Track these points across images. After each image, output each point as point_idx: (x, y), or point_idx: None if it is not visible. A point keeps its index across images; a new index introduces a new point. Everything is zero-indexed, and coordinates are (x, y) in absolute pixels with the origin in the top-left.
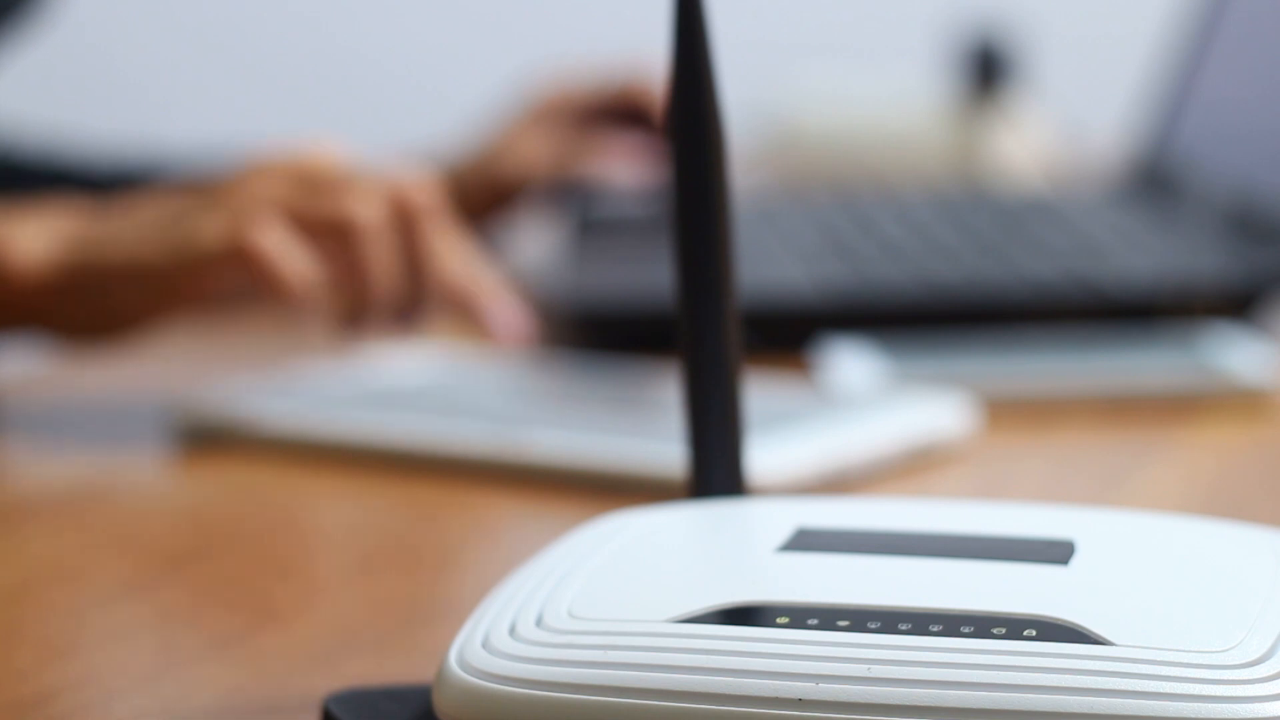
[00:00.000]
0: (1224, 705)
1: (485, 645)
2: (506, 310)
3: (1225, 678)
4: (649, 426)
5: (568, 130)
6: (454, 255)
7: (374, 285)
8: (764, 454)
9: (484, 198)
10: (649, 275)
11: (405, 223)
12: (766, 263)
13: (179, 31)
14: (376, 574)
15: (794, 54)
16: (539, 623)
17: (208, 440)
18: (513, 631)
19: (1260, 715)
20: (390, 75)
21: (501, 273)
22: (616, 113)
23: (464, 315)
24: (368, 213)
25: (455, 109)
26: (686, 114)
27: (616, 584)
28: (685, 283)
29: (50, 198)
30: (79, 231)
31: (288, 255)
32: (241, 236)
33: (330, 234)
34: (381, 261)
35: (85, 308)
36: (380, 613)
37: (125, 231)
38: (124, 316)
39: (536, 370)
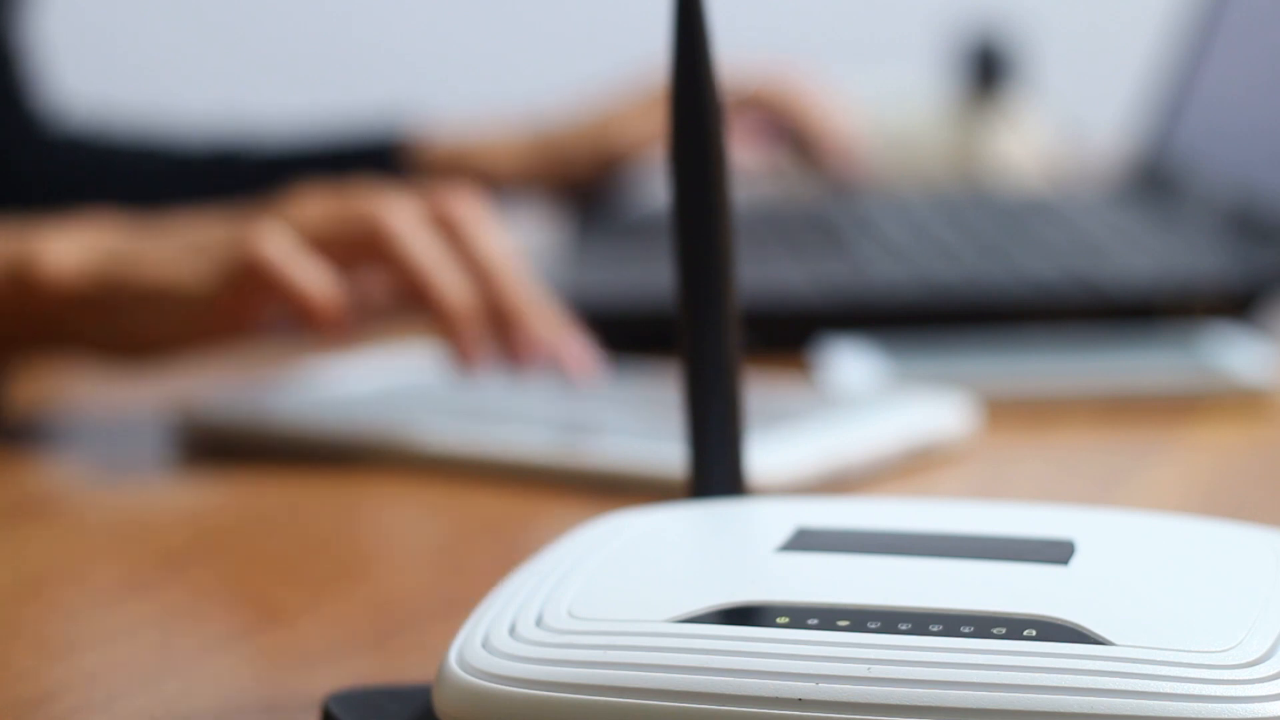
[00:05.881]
0: (1224, 705)
1: (485, 645)
2: (577, 346)
3: (1225, 678)
4: (649, 426)
5: None
6: (507, 262)
7: (434, 285)
8: (764, 454)
9: (588, 165)
10: (649, 275)
11: (447, 230)
12: (766, 263)
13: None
14: (376, 574)
15: (794, 54)
16: (539, 623)
17: (207, 440)
18: (513, 631)
19: (1260, 715)
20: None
21: (538, 282)
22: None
23: (538, 351)
24: (398, 218)
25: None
26: (686, 114)
27: (616, 584)
28: (685, 283)
29: (98, 204)
30: (112, 246)
31: (297, 266)
32: (246, 247)
33: (364, 249)
34: (430, 258)
35: (113, 324)
36: (380, 613)
37: (156, 250)
38: (153, 337)
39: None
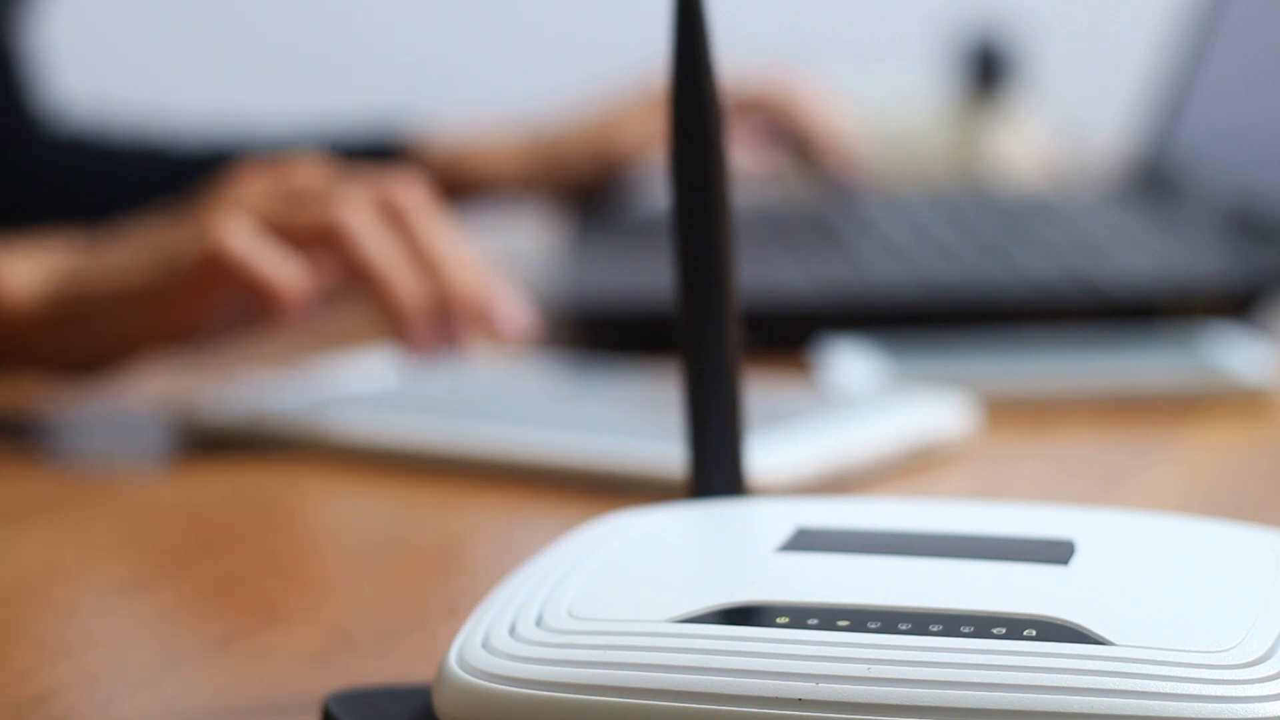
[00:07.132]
0: (1224, 705)
1: (485, 645)
2: (513, 307)
3: (1225, 678)
4: (649, 426)
5: None
6: (453, 250)
7: (388, 284)
8: (764, 454)
9: (588, 168)
10: (649, 275)
11: (396, 220)
12: (766, 263)
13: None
14: (376, 574)
15: (794, 54)
16: (539, 623)
17: (207, 440)
18: (513, 631)
19: (1260, 715)
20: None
21: (498, 266)
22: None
23: (475, 319)
24: (353, 213)
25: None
26: (687, 117)
27: (616, 584)
28: (685, 283)
29: (57, 231)
30: (68, 264)
31: (262, 256)
32: (210, 241)
33: (319, 241)
34: (385, 257)
35: (74, 340)
36: (380, 613)
37: (111, 259)
38: (114, 347)
39: (537, 370)
